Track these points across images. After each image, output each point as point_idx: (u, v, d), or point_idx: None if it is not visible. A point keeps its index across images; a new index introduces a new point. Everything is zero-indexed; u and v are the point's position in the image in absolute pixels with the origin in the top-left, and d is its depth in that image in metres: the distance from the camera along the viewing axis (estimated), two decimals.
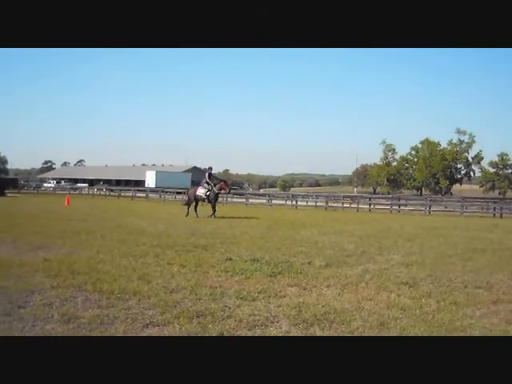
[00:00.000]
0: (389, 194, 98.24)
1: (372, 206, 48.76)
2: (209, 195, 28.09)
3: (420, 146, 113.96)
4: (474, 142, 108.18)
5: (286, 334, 6.21)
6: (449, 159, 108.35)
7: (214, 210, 27.71)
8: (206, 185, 28.47)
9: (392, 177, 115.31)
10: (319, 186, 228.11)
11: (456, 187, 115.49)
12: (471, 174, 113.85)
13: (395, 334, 6.22)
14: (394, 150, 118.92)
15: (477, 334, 6.33)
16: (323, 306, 7.48)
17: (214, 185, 28.44)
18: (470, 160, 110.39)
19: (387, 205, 48.03)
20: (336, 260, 11.99)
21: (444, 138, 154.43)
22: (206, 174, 29.06)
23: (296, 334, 6.21)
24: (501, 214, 39.80)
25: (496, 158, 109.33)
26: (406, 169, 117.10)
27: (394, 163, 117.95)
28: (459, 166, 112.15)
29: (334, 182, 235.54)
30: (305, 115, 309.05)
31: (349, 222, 26.81)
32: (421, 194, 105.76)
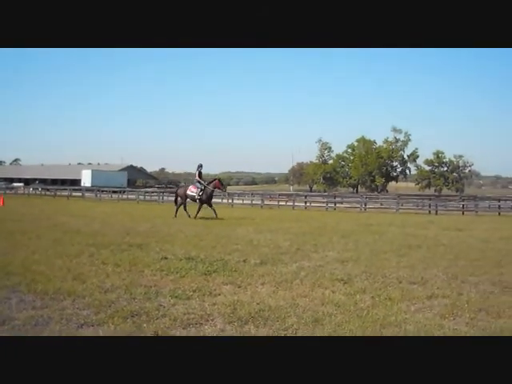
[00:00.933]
0: (325, 191, 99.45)
1: (308, 204, 49.21)
2: (202, 195, 26.90)
3: (356, 144, 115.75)
4: (409, 140, 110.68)
5: (221, 333, 6.21)
6: (385, 157, 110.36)
7: (214, 211, 26.55)
8: (198, 184, 27.17)
9: (328, 175, 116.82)
10: (256, 184, 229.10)
11: (392, 185, 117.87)
12: (407, 171, 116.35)
13: (330, 331, 6.28)
14: (330, 148, 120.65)
15: (411, 328, 6.44)
16: (258, 304, 7.51)
17: (208, 183, 27.39)
18: (406, 158, 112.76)
19: (323, 202, 48.80)
20: (271, 258, 12.04)
21: (380, 136, 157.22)
22: (197, 173, 27.73)
23: (231, 333, 6.20)
24: (436, 211, 40.84)
25: (432, 156, 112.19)
26: (342, 167, 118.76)
27: (330, 161, 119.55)
28: (395, 163, 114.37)
29: (270, 180, 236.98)
30: (241, 114, 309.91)
31: (284, 220, 26.96)
32: (357, 191, 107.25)
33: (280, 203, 50.67)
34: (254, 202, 52.22)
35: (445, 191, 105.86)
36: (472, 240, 17.74)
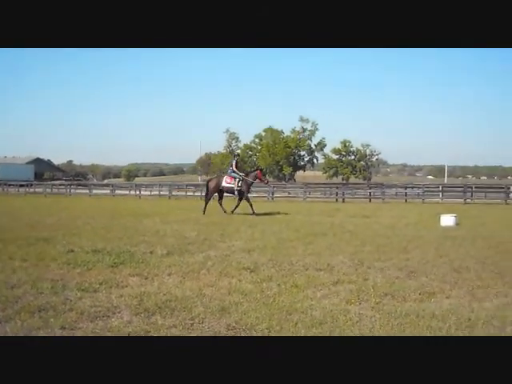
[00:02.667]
0: None
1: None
2: (241, 186, 24.39)
3: (263, 133, 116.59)
4: (316, 129, 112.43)
5: (128, 325, 6.20)
6: (292, 146, 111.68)
7: (251, 205, 24.03)
8: (234, 174, 24.58)
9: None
10: (164, 175, 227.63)
11: (299, 174, 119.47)
12: (314, 160, 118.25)
13: (236, 319, 6.37)
14: (237, 138, 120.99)
15: (317, 314, 6.59)
16: (164, 295, 7.57)
17: (246, 174, 25.10)
18: (313, 147, 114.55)
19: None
20: (178, 248, 12.05)
21: (288, 126, 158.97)
22: (234, 162, 25.42)
23: (137, 324, 6.22)
24: (343, 199, 41.85)
25: (339, 145, 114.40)
26: (250, 156, 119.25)
27: (238, 151, 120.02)
28: (302, 153, 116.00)
29: (178, 170, 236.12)
30: (150, 105, 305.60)
31: (192, 210, 26.86)
32: None
33: (188, 194, 50.75)
34: (161, 193, 52.10)
35: (352, 179, 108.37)
36: (378, 226, 18.31)
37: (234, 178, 24.43)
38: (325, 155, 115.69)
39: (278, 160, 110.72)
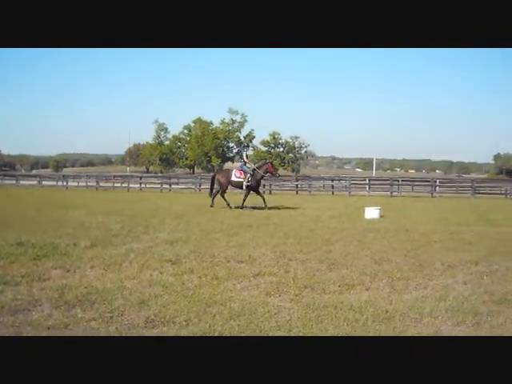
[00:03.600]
0: (161, 172, 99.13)
1: (143, 185, 49.01)
2: (251, 181, 23.53)
3: (193, 125, 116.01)
4: (246, 121, 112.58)
5: (48, 318, 6.16)
6: (221, 138, 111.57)
7: (264, 199, 23.64)
8: (245, 168, 23.79)
9: (164, 156, 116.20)
10: (92, 165, 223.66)
11: (228, 165, 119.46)
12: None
13: (156, 311, 6.40)
14: (166, 129, 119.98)
15: (236, 306, 6.65)
16: (86, 287, 7.55)
17: (257, 167, 24.33)
18: (242, 139, 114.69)
19: (158, 184, 48.73)
20: (102, 240, 11.95)
21: (217, 117, 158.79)
22: (244, 155, 25.33)
23: (57, 317, 6.18)
24: (270, 191, 41.99)
25: (268, 137, 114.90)
26: (179, 147, 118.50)
27: (167, 142, 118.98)
28: (231, 144, 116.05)
29: (107, 161, 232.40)
30: (77, 93, 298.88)
31: (118, 202, 26.66)
32: (193, 172, 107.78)
33: (115, 185, 50.17)
34: (89, 184, 51.25)
35: (281, 171, 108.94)
36: (303, 219, 18.53)
37: (245, 172, 23.62)
38: (254, 147, 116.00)
39: (206, 151, 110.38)
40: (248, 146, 23.09)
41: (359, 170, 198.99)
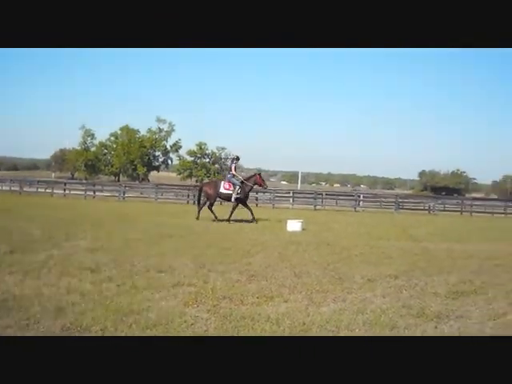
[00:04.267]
0: (86, 179, 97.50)
1: (67, 192, 48.02)
2: (240, 193, 22.97)
3: (120, 132, 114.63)
4: (173, 130, 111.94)
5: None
6: (147, 146, 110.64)
7: (251, 212, 22.99)
8: (234, 180, 23.09)
9: (90, 162, 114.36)
10: (17, 170, 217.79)
11: (154, 174, 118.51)
12: (169, 161, 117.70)
13: (72, 319, 6.30)
14: (93, 135, 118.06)
15: (153, 316, 6.61)
16: (3, 293, 7.41)
17: (246, 179, 23.65)
18: (169, 148, 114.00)
19: (82, 190, 47.89)
20: (21, 246, 11.67)
21: (145, 125, 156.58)
22: (233, 166, 23.76)
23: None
24: (194, 201, 41.75)
25: (194, 147, 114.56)
26: (105, 155, 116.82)
27: (93, 148, 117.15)
28: (157, 153, 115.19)
29: (32, 166, 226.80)
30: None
31: (41, 208, 26.06)
32: (118, 180, 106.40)
33: (39, 190, 49.00)
34: (13, 189, 49.62)
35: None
36: (225, 230, 18.59)
37: (233, 184, 22.99)
38: (180, 156, 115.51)
39: (132, 159, 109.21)
40: (238, 158, 22.49)
41: (284, 182, 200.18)
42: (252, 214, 22.81)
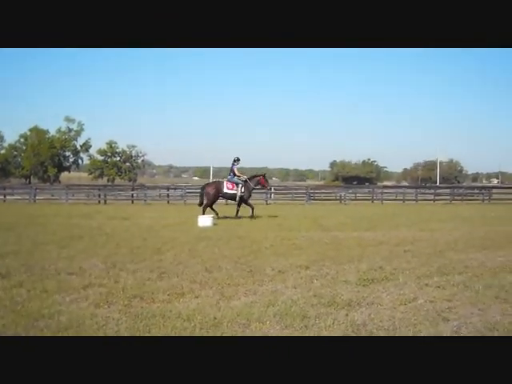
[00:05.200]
0: None
1: None
2: (244, 192, 23.33)
3: (29, 133, 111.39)
4: (82, 130, 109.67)
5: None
6: (57, 147, 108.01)
7: (253, 209, 23.30)
8: (236, 179, 23.45)
9: (0, 165, 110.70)
10: None
11: (65, 175, 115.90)
12: (79, 161, 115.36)
13: None
14: (2, 137, 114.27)
15: (64, 319, 6.49)
16: None
17: (249, 179, 23.85)
18: (79, 148, 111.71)
19: None
20: None
21: (54, 125, 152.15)
22: (234, 168, 23.74)
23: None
24: (105, 200, 41.26)
25: (105, 146, 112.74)
26: (15, 157, 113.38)
27: (3, 151, 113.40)
28: (68, 153, 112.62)
29: None
30: None
31: None
32: (29, 182, 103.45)
33: None
34: None
35: (118, 181, 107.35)
36: (136, 228, 18.34)
37: (236, 183, 23.34)
38: (90, 156, 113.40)
39: (42, 161, 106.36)
40: (238, 160, 22.43)
41: (196, 178, 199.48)
42: (253, 211, 23.14)
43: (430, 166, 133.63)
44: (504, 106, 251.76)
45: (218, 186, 23.61)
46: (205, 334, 6.04)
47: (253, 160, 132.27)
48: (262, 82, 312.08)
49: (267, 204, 40.03)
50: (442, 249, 12.85)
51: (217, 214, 22.72)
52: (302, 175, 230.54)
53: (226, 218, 22.85)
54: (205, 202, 23.19)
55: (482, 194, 49.20)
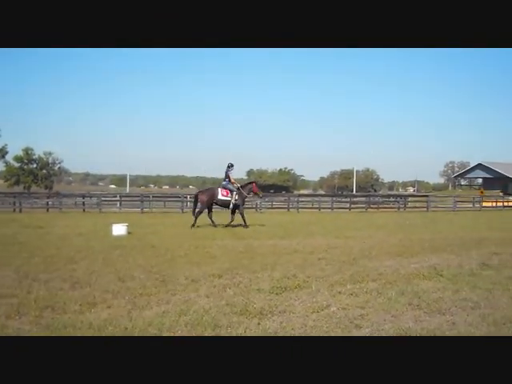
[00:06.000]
0: None
1: None
2: (238, 200, 23.04)
3: None
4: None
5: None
6: None
7: (243, 219, 22.96)
8: (230, 186, 23.11)
9: None
10: None
11: None
12: None
13: None
14: None
15: None
16: None
17: (241, 186, 23.61)
18: None
19: None
20: None
21: None
22: (230, 173, 23.41)
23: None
24: (20, 209, 39.96)
25: (21, 153, 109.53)
26: None
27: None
28: None
29: None
30: None
31: None
32: None
33: None
34: None
35: (34, 188, 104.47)
36: (50, 237, 17.92)
37: (231, 190, 23.06)
38: (6, 162, 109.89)
39: None
40: (232, 166, 21.83)
41: (113, 186, 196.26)
42: (245, 221, 22.96)
43: (347, 174, 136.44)
44: (422, 116, 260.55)
45: (211, 192, 23.50)
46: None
47: (170, 169, 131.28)
48: (173, 92, 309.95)
49: (183, 212, 39.76)
50: (356, 256, 13.04)
51: (214, 224, 22.68)
52: (219, 183, 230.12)
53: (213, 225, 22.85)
54: (198, 209, 23.16)
55: (398, 202, 50.67)
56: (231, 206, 23.21)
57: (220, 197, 23.05)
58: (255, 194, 24.77)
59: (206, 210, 23.32)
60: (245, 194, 23.68)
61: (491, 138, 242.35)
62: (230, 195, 23.14)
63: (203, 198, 23.19)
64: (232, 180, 23.58)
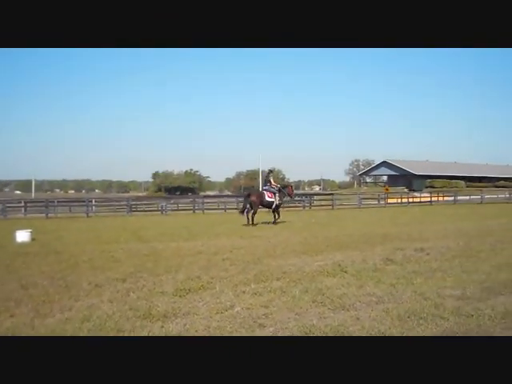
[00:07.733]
0: None
1: None
2: (280, 201, 26.18)
3: None
4: None
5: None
6: None
7: (279, 216, 26.14)
8: (273, 189, 25.98)
9: None
10: None
11: None
12: None
13: None
14: None
15: None
16: None
17: (279, 189, 26.41)
18: None
19: None
20: None
21: None
22: (271, 179, 26.58)
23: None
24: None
25: None
26: None
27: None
28: None
29: None
30: None
31: None
32: None
33: None
34: None
35: None
36: None
37: (274, 193, 25.73)
38: None
39: None
40: (271, 171, 22.61)
41: (19, 192, 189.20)
42: (278, 218, 26.11)
43: (252, 174, 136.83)
44: (328, 114, 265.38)
45: (261, 195, 25.97)
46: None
47: (76, 172, 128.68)
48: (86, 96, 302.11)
49: (88, 216, 38.90)
50: (260, 256, 12.87)
51: (254, 224, 24.53)
52: (125, 186, 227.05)
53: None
54: (252, 210, 25.11)
55: (303, 201, 51.07)
56: (274, 206, 25.85)
57: (267, 198, 25.65)
58: (290, 196, 27.79)
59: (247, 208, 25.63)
60: (285, 194, 26.59)
61: (395, 137, 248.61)
62: (273, 197, 25.74)
63: (255, 200, 25.48)
64: (273, 183, 26.41)
